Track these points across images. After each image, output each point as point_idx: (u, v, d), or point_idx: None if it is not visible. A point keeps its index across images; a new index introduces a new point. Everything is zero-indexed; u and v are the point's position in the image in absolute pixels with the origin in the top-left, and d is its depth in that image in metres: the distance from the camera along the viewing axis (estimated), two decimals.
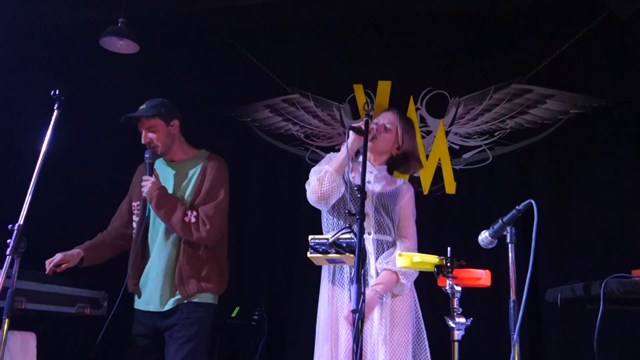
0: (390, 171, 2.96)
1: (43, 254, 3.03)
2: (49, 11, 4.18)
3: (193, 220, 2.92)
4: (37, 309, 2.93)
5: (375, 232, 2.73)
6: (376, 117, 2.95)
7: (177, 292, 2.93)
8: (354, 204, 2.63)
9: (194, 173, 3.06)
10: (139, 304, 3.05)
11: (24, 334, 2.92)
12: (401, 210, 2.82)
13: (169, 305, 2.93)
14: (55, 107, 2.57)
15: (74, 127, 3.79)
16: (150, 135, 3.00)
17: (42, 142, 2.52)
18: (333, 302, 2.74)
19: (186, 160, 3.11)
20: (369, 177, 2.78)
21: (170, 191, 3.01)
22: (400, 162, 2.93)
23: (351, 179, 2.77)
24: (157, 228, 3.03)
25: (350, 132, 2.63)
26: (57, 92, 2.57)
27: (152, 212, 3.01)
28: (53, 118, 2.57)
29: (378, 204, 2.76)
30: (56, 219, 4.00)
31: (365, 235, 2.67)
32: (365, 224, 2.55)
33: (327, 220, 2.85)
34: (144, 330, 3.01)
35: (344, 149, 2.64)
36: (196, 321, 2.90)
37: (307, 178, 4.26)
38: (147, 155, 2.99)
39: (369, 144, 2.63)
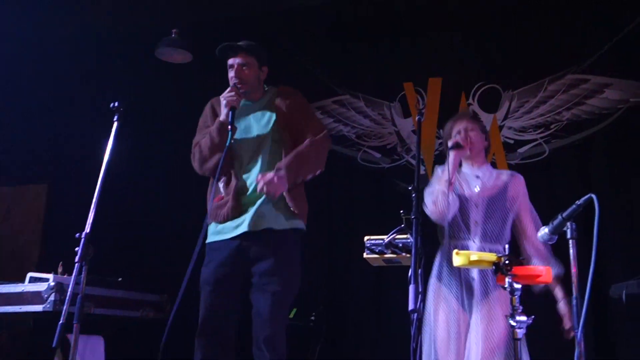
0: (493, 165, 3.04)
1: (109, 261, 3.13)
2: (105, 24, 4.33)
3: (316, 140, 2.87)
4: (104, 314, 3.05)
5: (480, 241, 2.74)
6: (448, 127, 2.99)
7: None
8: (461, 217, 2.78)
9: (272, 101, 2.99)
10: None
11: (92, 338, 3.04)
12: (514, 204, 2.85)
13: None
14: (115, 119, 2.66)
15: (134, 137, 3.92)
16: (245, 70, 2.91)
17: (104, 152, 2.61)
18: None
19: (262, 95, 3.04)
20: (476, 182, 2.86)
21: (255, 130, 2.93)
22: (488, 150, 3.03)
23: (458, 189, 2.85)
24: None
25: (450, 152, 2.75)
26: (116, 104, 2.66)
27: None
28: (113, 129, 2.65)
29: (487, 210, 2.80)
30: (121, 226, 4.15)
31: (470, 243, 2.74)
32: (472, 232, 2.72)
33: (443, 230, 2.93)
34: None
35: (446, 168, 2.74)
36: None
37: (360, 179, 4.32)
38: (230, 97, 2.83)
39: (468, 153, 2.82)
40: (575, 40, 4.01)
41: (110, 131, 2.64)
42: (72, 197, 4.08)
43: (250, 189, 2.83)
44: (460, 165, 2.93)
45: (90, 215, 2.50)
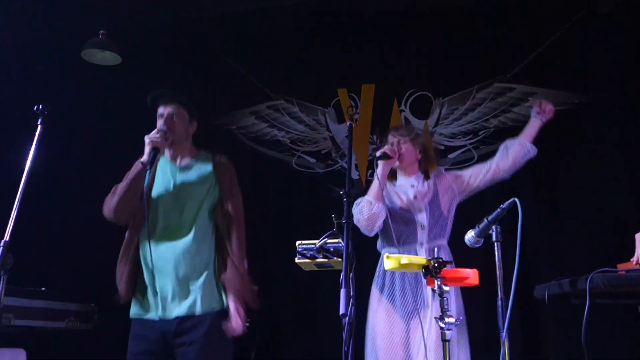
0: (425, 174, 3.10)
1: (29, 270, 3.00)
2: (29, 25, 4.16)
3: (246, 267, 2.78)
4: (25, 325, 2.91)
5: (427, 242, 2.86)
6: (385, 137, 3.10)
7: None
8: (405, 227, 2.88)
9: (207, 174, 2.82)
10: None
11: (13, 351, 2.90)
12: (459, 180, 3.02)
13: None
14: (38, 122, 2.55)
15: (58, 141, 3.77)
16: (176, 120, 2.77)
17: (27, 158, 2.50)
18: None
19: (193, 159, 2.87)
20: (412, 191, 2.97)
21: (171, 188, 2.76)
22: (423, 162, 3.11)
23: (397, 202, 2.95)
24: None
25: (379, 162, 2.84)
26: (40, 107, 2.55)
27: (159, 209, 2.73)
28: (37, 133, 2.54)
29: (430, 213, 2.91)
30: (42, 234, 3.98)
31: (417, 246, 2.85)
32: (419, 237, 2.86)
33: (381, 240, 3.02)
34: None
35: (375, 178, 2.83)
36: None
37: (295, 184, 4.32)
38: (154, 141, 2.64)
39: (397, 164, 2.94)
40: (502, 50, 4.16)
41: (33, 136, 2.53)
42: None
43: (168, 259, 2.64)
44: (395, 177, 3.06)
45: (10, 222, 2.39)
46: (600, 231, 3.71)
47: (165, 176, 2.79)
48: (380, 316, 2.86)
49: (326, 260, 2.31)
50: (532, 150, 3.04)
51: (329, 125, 4.35)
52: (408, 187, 3.00)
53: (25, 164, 2.49)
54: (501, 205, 2.17)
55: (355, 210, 2.86)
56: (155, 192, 2.74)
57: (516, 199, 2.10)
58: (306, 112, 4.41)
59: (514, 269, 2.04)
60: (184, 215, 2.70)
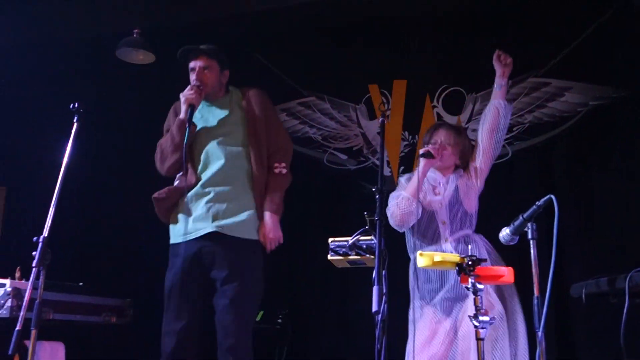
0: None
1: (68, 265, 3.07)
2: (64, 25, 4.24)
3: (284, 171, 2.98)
4: (64, 319, 2.98)
5: (450, 236, 2.87)
6: (428, 134, 3.09)
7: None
8: (429, 224, 2.90)
9: (238, 100, 3.02)
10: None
11: (52, 344, 2.97)
12: (471, 158, 3.01)
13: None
14: (74, 120, 2.61)
15: (95, 139, 3.84)
16: (207, 72, 2.93)
17: (64, 155, 2.56)
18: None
19: (225, 96, 3.06)
20: (439, 187, 2.97)
21: (219, 128, 2.94)
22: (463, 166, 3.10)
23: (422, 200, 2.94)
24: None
25: (421, 159, 2.82)
26: (76, 105, 2.61)
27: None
28: (73, 131, 2.60)
29: (449, 207, 2.90)
30: (80, 229, 4.06)
31: (442, 242, 2.86)
32: (442, 233, 2.86)
33: (408, 240, 3.01)
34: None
35: (416, 175, 2.82)
36: None
37: (327, 181, 4.32)
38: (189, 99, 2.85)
39: (438, 163, 2.90)
40: (536, 44, 4.08)
41: (70, 133, 2.59)
42: (31, 200, 3.99)
43: (209, 186, 2.81)
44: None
45: (48, 218, 2.45)
46: (636, 229, 3.61)
47: (204, 117, 2.95)
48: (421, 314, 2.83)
49: (359, 257, 2.31)
50: (504, 105, 2.99)
51: (361, 122, 4.34)
52: (436, 183, 2.99)
53: (62, 162, 2.55)
54: (537, 202, 2.13)
55: (391, 202, 2.88)
56: (200, 133, 2.90)
57: (552, 196, 2.06)
58: (337, 108, 4.41)
59: (547, 268, 2.01)
60: (231, 146, 2.87)
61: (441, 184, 2.98)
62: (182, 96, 2.85)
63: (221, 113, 2.97)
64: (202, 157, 2.88)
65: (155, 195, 2.87)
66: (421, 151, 2.87)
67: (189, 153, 2.82)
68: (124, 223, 4.11)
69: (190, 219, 2.78)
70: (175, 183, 2.91)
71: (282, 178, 2.95)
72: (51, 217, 2.45)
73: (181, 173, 2.85)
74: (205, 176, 2.84)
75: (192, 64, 2.95)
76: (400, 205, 2.83)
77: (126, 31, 4.10)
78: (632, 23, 3.84)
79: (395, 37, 4.37)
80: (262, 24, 4.41)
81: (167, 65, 4.32)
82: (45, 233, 2.41)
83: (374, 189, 2.29)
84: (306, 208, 4.25)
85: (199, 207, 2.79)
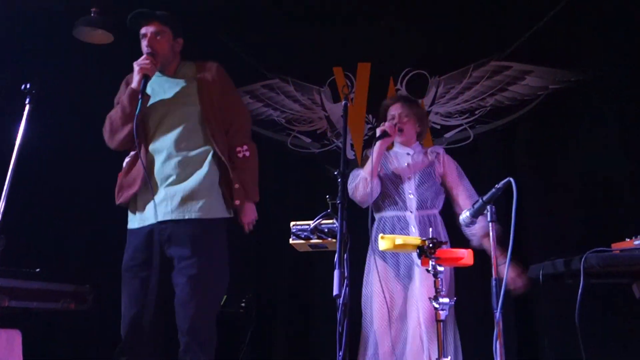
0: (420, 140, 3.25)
1: (23, 251, 2.98)
2: (20, 1, 4.08)
3: (247, 154, 2.88)
4: (20, 306, 2.90)
5: (417, 209, 2.96)
6: (382, 109, 3.22)
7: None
8: (395, 191, 3.01)
9: (192, 73, 2.89)
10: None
11: (8, 332, 2.89)
12: (446, 179, 3.09)
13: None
14: (26, 102, 2.52)
15: (47, 120, 3.72)
16: (159, 39, 2.79)
17: (16, 138, 2.48)
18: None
19: (177, 68, 2.92)
20: (407, 159, 3.08)
21: (173, 102, 2.81)
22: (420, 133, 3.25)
23: (390, 166, 3.07)
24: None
25: (377, 140, 2.91)
26: (28, 86, 2.52)
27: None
28: (25, 113, 2.52)
29: (420, 181, 3.00)
30: (34, 215, 3.95)
31: (407, 214, 2.95)
32: (408, 203, 2.95)
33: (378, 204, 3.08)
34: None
35: (374, 154, 2.87)
36: None
37: (290, 164, 4.29)
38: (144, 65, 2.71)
39: (399, 138, 3.07)
40: (498, 28, 4.11)
41: (22, 114, 2.50)
42: None
43: (164, 164, 2.71)
44: (392, 145, 3.14)
45: (1, 203, 2.37)
46: (596, 210, 3.70)
47: (155, 90, 2.82)
48: (376, 280, 2.88)
49: (320, 241, 2.30)
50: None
51: (325, 105, 4.32)
52: (404, 155, 3.10)
53: (14, 144, 2.47)
54: (496, 185, 2.16)
55: (351, 185, 2.96)
56: (151, 106, 2.77)
57: (511, 179, 2.09)
58: (301, 91, 4.37)
59: (507, 249, 2.04)
60: (176, 118, 2.75)
61: (410, 155, 3.08)
62: (136, 65, 2.68)
63: (173, 85, 2.83)
64: (155, 132, 2.74)
65: (120, 176, 2.78)
66: (377, 132, 2.95)
67: (140, 127, 2.68)
68: (81, 207, 4.02)
69: (149, 205, 2.66)
70: (126, 161, 2.79)
71: (247, 162, 2.86)
72: (4, 202, 2.38)
73: (133, 152, 2.75)
74: (160, 156, 2.71)
75: (143, 30, 2.79)
76: (358, 186, 2.95)
77: (83, 9, 3.97)
78: (592, 7, 3.90)
79: (359, 18, 4.35)
80: (225, 3, 4.33)
81: (125, 45, 4.22)
82: None
83: (336, 172, 2.28)
84: (270, 191, 4.20)
85: (158, 193, 2.66)
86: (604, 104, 3.84)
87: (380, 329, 2.82)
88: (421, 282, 2.79)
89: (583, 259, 2.16)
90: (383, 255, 2.93)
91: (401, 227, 2.93)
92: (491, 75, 4.05)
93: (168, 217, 2.64)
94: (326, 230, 2.29)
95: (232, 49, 4.44)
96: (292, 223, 2.37)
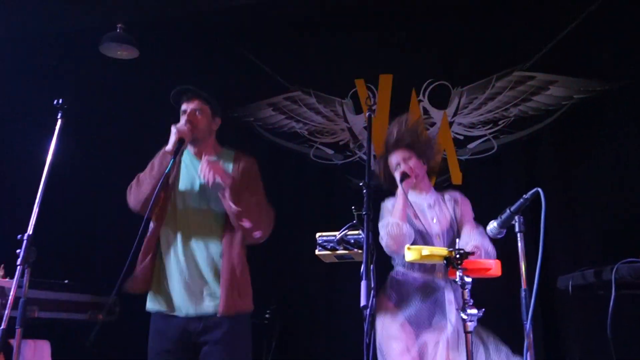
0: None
1: (53, 263, 3.03)
2: (47, 20, 4.18)
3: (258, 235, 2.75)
4: (49, 317, 2.95)
5: (444, 269, 2.70)
6: (383, 162, 3.02)
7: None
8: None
9: (227, 165, 2.81)
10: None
11: (37, 342, 2.94)
12: (461, 225, 2.88)
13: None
14: (58, 116, 2.57)
15: (79, 135, 3.79)
16: (199, 116, 2.77)
17: (47, 152, 2.52)
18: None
19: (217, 153, 2.87)
20: (431, 213, 2.89)
21: (197, 185, 2.75)
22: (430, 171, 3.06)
23: (414, 221, 2.84)
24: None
25: (400, 184, 2.78)
26: (60, 102, 2.57)
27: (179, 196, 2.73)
28: (57, 127, 2.57)
29: (448, 238, 2.82)
30: (65, 226, 4.02)
31: (435, 275, 2.75)
32: (437, 266, 2.73)
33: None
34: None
35: (400, 198, 2.75)
36: None
37: (313, 176, 4.31)
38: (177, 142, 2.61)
39: (414, 181, 2.85)
40: (521, 38, 4.10)
41: (54, 130, 2.55)
42: (15, 198, 3.94)
43: (180, 254, 2.67)
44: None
45: (33, 216, 2.41)
46: (621, 221, 3.65)
47: (190, 172, 2.79)
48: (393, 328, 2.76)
49: (347, 252, 2.31)
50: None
51: (347, 117, 4.33)
52: (425, 207, 2.91)
53: (46, 158, 2.51)
54: (524, 196, 2.14)
55: (382, 232, 2.78)
56: (181, 187, 2.76)
57: (539, 189, 2.07)
58: (323, 103, 4.40)
59: (534, 260, 2.02)
60: (210, 216, 2.71)
61: (432, 206, 2.91)
62: (174, 127, 2.69)
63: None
64: (182, 211, 2.73)
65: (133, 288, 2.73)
66: (397, 176, 2.83)
67: (163, 194, 2.68)
68: (109, 219, 4.08)
69: (176, 295, 2.66)
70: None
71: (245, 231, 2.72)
72: (35, 214, 2.41)
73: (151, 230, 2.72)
74: (176, 240, 2.69)
75: (184, 106, 2.79)
76: (391, 232, 2.71)
77: (109, 26, 4.05)
78: (617, 16, 3.87)
79: (381, 31, 4.37)
80: (247, 17, 4.39)
81: (150, 61, 4.29)
82: (30, 230, 2.37)
83: (361, 184, 2.28)
84: (293, 203, 4.24)
85: (185, 286, 2.65)
86: (629, 114, 3.80)
87: None
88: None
89: (614, 270, 2.14)
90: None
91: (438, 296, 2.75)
92: (515, 86, 4.03)
93: (199, 312, 2.63)
94: (352, 241, 2.29)
95: (254, 62, 4.49)
96: (318, 234, 2.38)
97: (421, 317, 2.71)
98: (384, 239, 2.73)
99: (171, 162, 2.61)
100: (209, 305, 2.62)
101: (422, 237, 2.79)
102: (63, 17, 4.22)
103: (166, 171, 2.61)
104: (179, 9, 4.21)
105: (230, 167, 2.81)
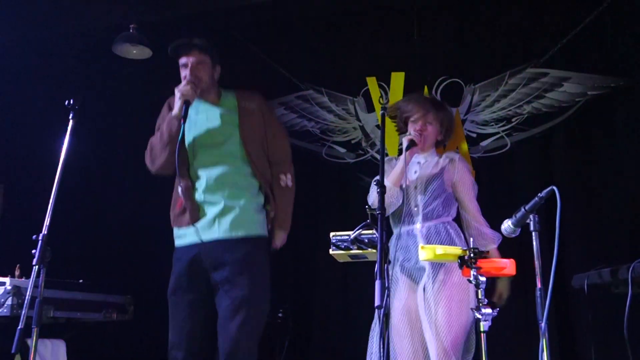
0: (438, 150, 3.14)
1: (68, 263, 3.05)
2: (60, 20, 4.20)
3: (290, 184, 2.95)
4: (65, 317, 2.97)
5: (422, 221, 2.87)
6: (408, 108, 3.08)
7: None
8: (405, 199, 2.91)
9: (232, 102, 2.96)
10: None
11: (53, 342, 2.97)
12: (456, 189, 2.99)
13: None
14: (70, 116, 2.59)
15: (91, 135, 3.82)
16: (200, 68, 2.86)
17: (60, 153, 2.54)
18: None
19: (220, 97, 3.00)
20: (415, 167, 2.98)
21: (217, 131, 2.87)
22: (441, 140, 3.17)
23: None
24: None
25: (405, 150, 2.84)
26: (71, 102, 2.59)
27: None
28: (69, 127, 2.59)
29: (424, 191, 2.91)
30: (79, 226, 4.04)
31: (415, 228, 2.86)
32: (415, 217, 2.86)
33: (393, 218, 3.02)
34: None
35: (400, 164, 2.82)
36: None
37: (325, 173, 4.30)
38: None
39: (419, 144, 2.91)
40: (534, 34, 4.06)
41: (66, 130, 2.57)
42: (29, 198, 3.96)
43: (209, 190, 2.76)
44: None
45: (47, 216, 2.43)
46: (636, 219, 3.61)
47: (198, 115, 2.89)
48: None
49: (361, 251, 2.31)
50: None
51: (359, 115, 4.32)
52: (413, 164, 2.99)
53: (59, 158, 2.53)
54: (539, 194, 2.13)
55: (372, 190, 2.88)
56: (192, 133, 2.84)
57: (554, 187, 2.05)
58: (335, 101, 4.39)
59: (548, 259, 2.00)
60: (222, 147, 2.82)
61: (421, 163, 3.00)
62: (178, 91, 2.75)
63: (215, 114, 2.90)
64: (197, 158, 2.82)
65: (177, 209, 2.84)
66: (404, 142, 2.88)
67: (181, 153, 2.74)
68: (123, 219, 4.10)
69: (195, 224, 2.72)
70: (179, 190, 2.83)
71: (287, 191, 2.92)
72: (50, 214, 2.44)
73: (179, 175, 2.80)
74: (202, 182, 2.78)
75: (184, 60, 2.87)
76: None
77: (122, 26, 4.07)
78: (631, 12, 3.83)
79: (393, 28, 4.35)
80: (258, 16, 4.39)
81: (164, 60, 4.29)
82: (45, 231, 2.40)
83: (374, 182, 2.28)
84: (306, 202, 4.22)
85: (203, 213, 2.73)
86: None
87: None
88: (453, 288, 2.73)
89: (631, 269, 2.12)
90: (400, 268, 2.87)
91: (413, 243, 2.86)
92: (528, 82, 4.00)
93: (214, 236, 2.68)
94: (366, 240, 2.29)
95: (266, 61, 4.48)
96: (331, 233, 2.38)
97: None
98: (372, 198, 2.86)
99: (183, 126, 2.66)
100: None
101: (404, 192, 2.89)
102: (76, 18, 4.24)
103: (179, 138, 2.67)
104: (190, 8, 4.22)
105: (234, 105, 2.91)
